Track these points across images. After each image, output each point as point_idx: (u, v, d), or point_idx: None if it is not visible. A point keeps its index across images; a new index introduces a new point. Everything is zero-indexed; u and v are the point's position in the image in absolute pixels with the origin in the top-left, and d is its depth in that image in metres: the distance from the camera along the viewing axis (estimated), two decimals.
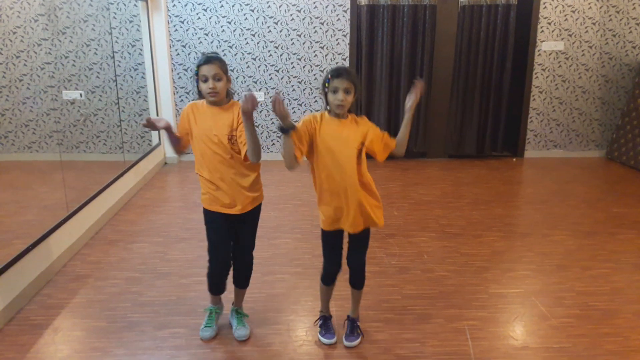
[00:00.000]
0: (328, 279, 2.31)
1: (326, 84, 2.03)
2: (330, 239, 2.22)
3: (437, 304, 2.65)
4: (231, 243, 2.29)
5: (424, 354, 2.25)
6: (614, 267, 3.06)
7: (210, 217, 2.23)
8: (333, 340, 2.32)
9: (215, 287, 2.37)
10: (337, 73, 2.00)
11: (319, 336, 2.35)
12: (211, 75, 2.04)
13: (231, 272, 2.34)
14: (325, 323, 2.38)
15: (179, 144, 2.24)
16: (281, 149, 2.07)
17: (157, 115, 5.13)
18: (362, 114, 5.39)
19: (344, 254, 2.28)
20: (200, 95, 2.14)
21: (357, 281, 2.32)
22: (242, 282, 2.39)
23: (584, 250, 3.29)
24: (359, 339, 2.33)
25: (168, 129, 2.17)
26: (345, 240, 2.26)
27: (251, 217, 2.27)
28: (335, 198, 2.11)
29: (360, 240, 2.23)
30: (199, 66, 2.05)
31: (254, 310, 2.56)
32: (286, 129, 1.96)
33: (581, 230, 3.62)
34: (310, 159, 2.15)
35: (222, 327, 2.44)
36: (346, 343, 2.30)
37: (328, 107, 2.09)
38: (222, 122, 2.10)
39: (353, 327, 2.35)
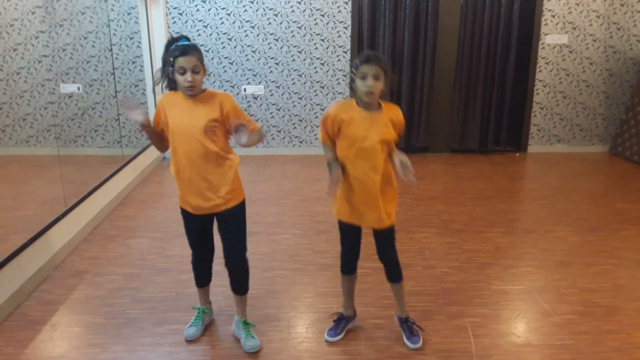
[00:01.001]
0: (345, 267, 2.25)
1: (354, 71, 1.94)
2: (346, 228, 2.17)
3: (438, 300, 2.62)
4: (211, 241, 2.24)
5: (425, 351, 2.22)
6: (617, 263, 3.03)
7: (184, 215, 2.19)
8: (332, 339, 2.27)
9: (199, 275, 2.32)
10: (367, 58, 1.91)
11: (326, 333, 2.30)
12: (190, 68, 1.94)
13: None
14: (338, 321, 2.32)
15: (162, 142, 2.14)
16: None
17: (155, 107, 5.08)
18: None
19: (368, 246, 2.22)
20: (173, 87, 2.05)
21: (392, 275, 2.22)
22: (237, 288, 2.27)
23: (587, 247, 3.26)
24: (421, 338, 2.25)
25: (146, 126, 2.04)
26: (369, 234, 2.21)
27: (230, 217, 2.14)
28: (356, 193, 2.06)
29: (385, 234, 2.16)
30: (175, 58, 1.94)
31: (253, 307, 2.54)
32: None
33: (585, 226, 3.59)
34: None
35: (221, 327, 2.42)
36: (411, 345, 2.22)
37: (352, 96, 2.02)
38: (199, 114, 2.00)
39: (409, 326, 2.28)
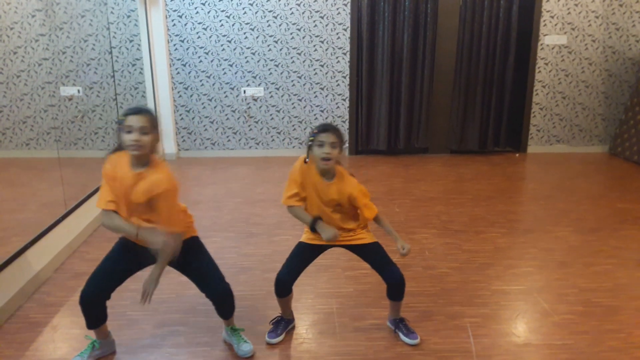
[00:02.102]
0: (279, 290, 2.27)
1: (311, 138, 2.08)
2: (301, 250, 2.26)
3: (438, 301, 2.63)
4: (119, 284, 2.11)
5: (425, 351, 2.23)
6: (617, 263, 3.04)
7: (121, 247, 2.09)
8: (274, 340, 2.28)
9: (96, 313, 2.13)
10: (324, 128, 2.07)
11: (267, 336, 2.30)
12: (137, 127, 1.86)
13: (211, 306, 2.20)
14: (278, 323, 2.35)
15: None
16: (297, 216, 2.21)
17: (155, 109, 5.10)
18: (363, 110, 5.36)
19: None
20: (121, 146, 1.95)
21: (396, 295, 2.26)
22: (225, 314, 2.22)
23: (587, 247, 3.26)
24: (418, 335, 2.30)
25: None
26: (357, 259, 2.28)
27: (190, 249, 2.08)
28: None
29: (371, 251, 2.23)
30: (125, 115, 1.88)
31: (253, 308, 2.54)
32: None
33: (584, 226, 3.59)
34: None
35: (220, 330, 2.41)
36: (411, 342, 2.26)
37: (307, 160, 2.12)
38: (141, 189, 1.92)
39: (405, 325, 2.32)
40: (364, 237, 2.23)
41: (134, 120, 1.87)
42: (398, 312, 2.33)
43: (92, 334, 2.20)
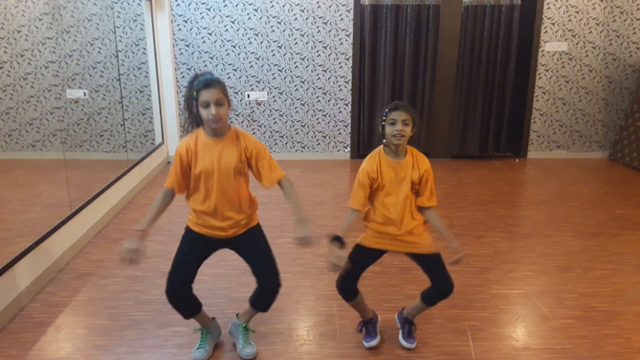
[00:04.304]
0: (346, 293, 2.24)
1: (383, 118, 2.04)
2: (366, 253, 2.18)
3: (438, 304, 2.63)
4: (195, 273, 2.11)
5: (425, 355, 2.25)
6: (616, 268, 3.06)
7: (190, 239, 2.11)
8: (373, 343, 2.27)
9: (187, 305, 2.16)
10: (395, 106, 2.03)
11: (363, 341, 2.30)
12: (213, 101, 1.88)
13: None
14: (366, 326, 2.33)
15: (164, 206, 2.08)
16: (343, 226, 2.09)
17: (160, 112, 5.14)
18: (365, 115, 5.39)
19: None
20: (197, 122, 1.99)
21: (433, 300, 2.24)
22: (263, 306, 2.19)
23: (587, 252, 3.28)
24: (416, 340, 2.30)
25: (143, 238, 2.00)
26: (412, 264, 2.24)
27: (253, 237, 2.12)
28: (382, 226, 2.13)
29: (430, 260, 2.18)
30: (198, 91, 1.88)
31: None
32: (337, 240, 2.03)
33: (584, 231, 3.61)
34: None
35: (224, 329, 2.44)
36: (407, 345, 2.27)
37: (384, 141, 2.08)
38: (228, 156, 1.98)
39: (409, 328, 2.32)
40: (427, 246, 2.16)
41: (209, 95, 1.87)
42: (415, 316, 2.34)
43: (195, 325, 2.28)
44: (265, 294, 2.14)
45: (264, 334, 2.38)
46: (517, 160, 5.58)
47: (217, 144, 1.98)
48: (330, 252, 1.99)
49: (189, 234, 2.13)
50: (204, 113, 1.90)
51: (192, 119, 2.00)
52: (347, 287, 2.20)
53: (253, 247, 2.12)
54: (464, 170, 5.14)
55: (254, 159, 2.01)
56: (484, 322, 2.50)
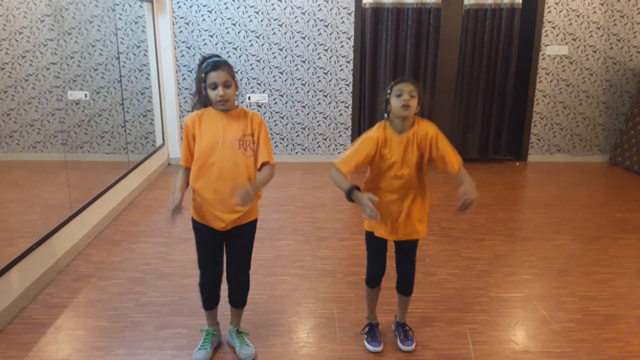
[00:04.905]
0: (372, 281, 2.26)
1: (388, 92, 2.02)
2: (376, 242, 2.19)
3: (438, 307, 2.65)
4: (222, 260, 2.19)
5: (424, 357, 2.24)
6: (616, 272, 3.05)
7: (201, 232, 2.13)
8: (379, 349, 2.27)
9: (210, 297, 2.25)
10: (401, 79, 2.01)
11: (366, 343, 2.30)
12: (221, 83, 1.95)
13: (226, 290, 2.25)
14: (372, 330, 2.34)
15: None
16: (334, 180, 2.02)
17: (161, 114, 5.15)
18: (365, 117, 5.40)
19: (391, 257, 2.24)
20: (205, 103, 2.05)
21: (405, 288, 2.28)
22: (238, 302, 2.27)
23: (587, 255, 3.28)
24: (414, 342, 2.31)
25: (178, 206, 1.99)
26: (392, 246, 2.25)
27: (243, 233, 2.14)
28: (388, 205, 2.09)
29: (408, 248, 2.21)
30: (206, 73, 1.95)
31: (255, 312, 2.57)
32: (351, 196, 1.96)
33: (584, 235, 3.61)
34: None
35: (223, 332, 2.44)
36: (405, 348, 2.27)
37: (386, 116, 2.05)
38: (233, 129, 2.01)
39: (405, 331, 2.33)
40: (422, 230, 2.15)
41: (217, 77, 1.94)
42: (404, 316, 2.35)
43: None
44: (236, 292, 2.25)
45: (263, 336, 2.38)
46: (518, 163, 5.58)
47: (224, 118, 2.02)
48: (359, 202, 1.89)
49: (195, 225, 2.15)
50: (212, 94, 1.97)
51: (201, 100, 2.05)
52: (378, 278, 2.23)
53: (241, 243, 2.16)
54: None
55: (256, 135, 2.04)
56: (483, 325, 2.50)
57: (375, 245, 2.20)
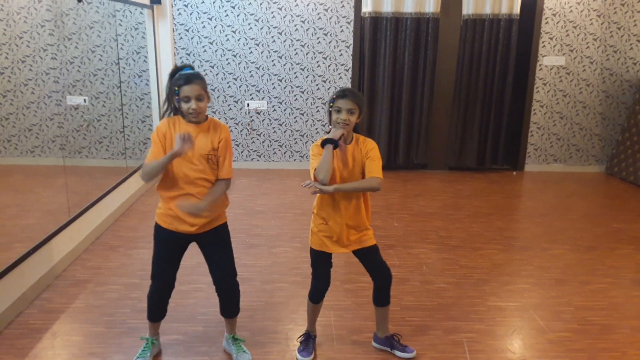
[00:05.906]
0: (318, 296, 2.29)
1: (330, 104, 2.08)
2: (322, 258, 2.23)
3: (435, 315, 2.65)
4: (176, 270, 2.18)
5: None
6: (612, 282, 3.07)
7: (161, 236, 2.12)
8: (308, 359, 2.27)
9: (158, 309, 2.25)
10: (342, 94, 2.05)
11: (297, 352, 2.30)
12: (194, 96, 1.96)
13: (216, 304, 2.25)
14: (307, 340, 2.34)
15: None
16: (319, 163, 2.07)
17: (159, 120, 5.15)
18: (363, 126, 5.41)
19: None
20: (175, 113, 2.07)
21: (382, 297, 2.28)
22: (230, 312, 2.27)
23: (583, 265, 3.30)
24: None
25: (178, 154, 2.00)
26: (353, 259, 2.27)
27: (219, 236, 2.15)
28: (333, 216, 2.16)
29: (369, 253, 2.23)
30: (179, 87, 1.96)
31: (252, 319, 2.57)
32: (335, 141, 2.03)
33: (580, 244, 3.63)
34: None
35: (220, 338, 2.44)
36: (409, 355, 2.28)
37: (330, 127, 2.12)
38: (202, 144, 2.03)
39: (397, 340, 2.33)
40: (371, 238, 2.21)
41: (190, 90, 1.96)
42: (386, 327, 2.34)
43: (144, 333, 2.31)
44: (226, 300, 2.23)
45: (260, 343, 2.38)
46: (515, 173, 5.61)
47: (194, 130, 2.03)
48: (332, 133, 2.04)
49: (158, 233, 2.14)
50: (184, 106, 1.99)
51: (172, 109, 2.07)
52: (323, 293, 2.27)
53: (217, 248, 2.16)
54: (462, 183, 5.17)
55: (222, 150, 2.07)
56: (480, 334, 2.50)
57: (321, 262, 2.24)
